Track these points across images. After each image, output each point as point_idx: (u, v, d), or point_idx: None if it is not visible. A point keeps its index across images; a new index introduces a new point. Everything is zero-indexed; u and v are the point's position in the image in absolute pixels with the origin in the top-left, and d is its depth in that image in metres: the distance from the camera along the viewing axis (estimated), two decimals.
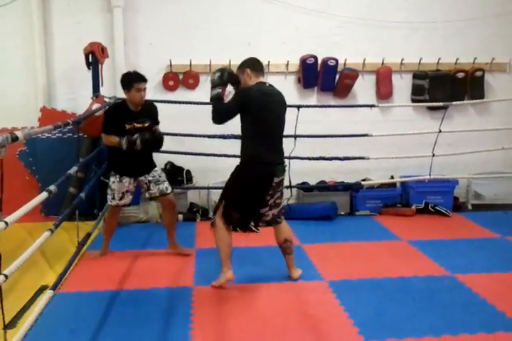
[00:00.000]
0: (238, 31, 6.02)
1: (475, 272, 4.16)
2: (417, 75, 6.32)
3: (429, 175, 5.88)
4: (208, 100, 3.80)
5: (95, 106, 5.11)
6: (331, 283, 3.95)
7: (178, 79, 6.05)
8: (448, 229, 5.46)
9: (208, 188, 5.93)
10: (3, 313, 2.50)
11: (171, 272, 4.19)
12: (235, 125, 3.86)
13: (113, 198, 4.33)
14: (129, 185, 4.30)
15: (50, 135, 5.66)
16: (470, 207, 6.40)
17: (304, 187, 6.15)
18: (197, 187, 6.01)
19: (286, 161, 4.97)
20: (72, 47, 5.71)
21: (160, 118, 4.41)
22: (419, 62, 6.25)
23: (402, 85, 6.37)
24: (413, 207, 5.95)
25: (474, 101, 6.29)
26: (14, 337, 2.45)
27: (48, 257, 4.36)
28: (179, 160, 5.93)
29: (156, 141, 4.31)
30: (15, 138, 2.23)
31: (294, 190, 5.98)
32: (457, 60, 6.28)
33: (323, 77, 6.12)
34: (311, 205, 5.90)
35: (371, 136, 5.76)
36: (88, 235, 4.51)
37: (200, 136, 5.33)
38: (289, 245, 3.98)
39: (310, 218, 5.63)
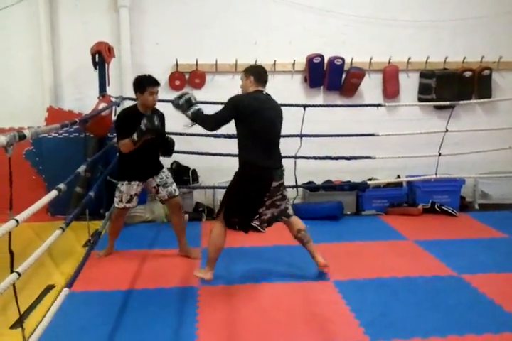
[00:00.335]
0: (244, 30, 6.03)
1: (482, 272, 4.14)
2: (424, 74, 6.30)
3: (436, 174, 5.86)
4: (207, 104, 3.83)
5: (102, 105, 5.13)
6: (337, 282, 3.94)
7: (185, 78, 6.06)
8: (454, 228, 5.44)
9: (214, 188, 5.94)
10: (19, 310, 2.51)
11: (177, 272, 4.20)
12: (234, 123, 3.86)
13: (120, 201, 4.31)
14: (137, 188, 4.30)
15: (56, 134, 5.68)
16: (477, 206, 6.37)
17: (310, 186, 6.15)
18: (203, 187, 6.02)
19: (292, 161, 5.00)
20: (79, 47, 5.73)
21: (166, 117, 4.41)
22: (426, 61, 6.23)
23: (408, 84, 6.35)
24: (419, 207, 5.93)
25: (481, 100, 6.25)
26: (31, 336, 2.45)
27: (55, 256, 4.37)
28: (185, 160, 5.94)
29: (166, 141, 4.31)
30: (22, 137, 2.23)
31: (300, 190, 5.98)
32: (464, 58, 6.26)
33: (330, 76, 6.11)
34: (317, 205, 5.89)
35: (378, 135, 5.75)
36: (98, 234, 4.53)
37: (206, 135, 5.33)
38: (304, 234, 3.99)
39: (316, 218, 5.62)
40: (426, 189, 6.08)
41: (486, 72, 6.26)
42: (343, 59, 6.04)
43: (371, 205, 6.06)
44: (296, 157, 5.37)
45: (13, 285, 2.22)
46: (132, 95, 5.60)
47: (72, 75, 6.02)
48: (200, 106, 3.80)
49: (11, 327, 3.13)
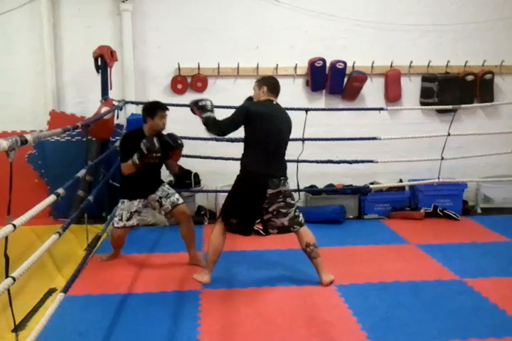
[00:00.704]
0: (246, 34, 6.04)
1: (484, 276, 4.13)
2: (426, 78, 6.30)
3: (438, 178, 5.85)
4: (208, 110, 3.83)
5: (104, 109, 5.14)
6: (339, 286, 3.93)
7: (187, 82, 6.07)
8: (457, 232, 5.42)
9: (216, 191, 5.93)
10: (13, 316, 2.52)
11: (178, 275, 4.19)
12: (243, 128, 3.87)
13: (120, 219, 4.24)
14: (138, 204, 4.27)
15: (59, 138, 5.70)
16: (479, 210, 6.36)
17: (312, 190, 6.14)
18: (205, 191, 6.02)
19: (294, 164, 4.98)
20: (82, 51, 5.76)
21: (168, 121, 4.39)
22: (428, 65, 6.23)
23: (410, 88, 6.35)
24: (422, 211, 5.92)
25: (484, 104, 6.25)
26: (26, 339, 2.45)
27: (57, 260, 4.38)
28: (187, 163, 5.94)
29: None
30: (24, 141, 2.24)
31: (302, 193, 5.98)
32: (466, 62, 6.26)
33: (332, 80, 6.11)
34: (319, 209, 5.88)
35: (380, 139, 5.74)
36: (98, 238, 4.52)
37: (208, 139, 5.34)
38: (313, 249, 3.95)
39: (318, 221, 5.60)
40: (428, 193, 6.07)
41: (488, 76, 6.26)
42: (345, 63, 6.04)
43: (373, 209, 6.05)
44: (298, 161, 5.35)
45: (8, 290, 2.22)
46: (134, 99, 5.62)
47: (75, 79, 6.04)
48: (214, 113, 3.84)
49: (13, 331, 3.12)
